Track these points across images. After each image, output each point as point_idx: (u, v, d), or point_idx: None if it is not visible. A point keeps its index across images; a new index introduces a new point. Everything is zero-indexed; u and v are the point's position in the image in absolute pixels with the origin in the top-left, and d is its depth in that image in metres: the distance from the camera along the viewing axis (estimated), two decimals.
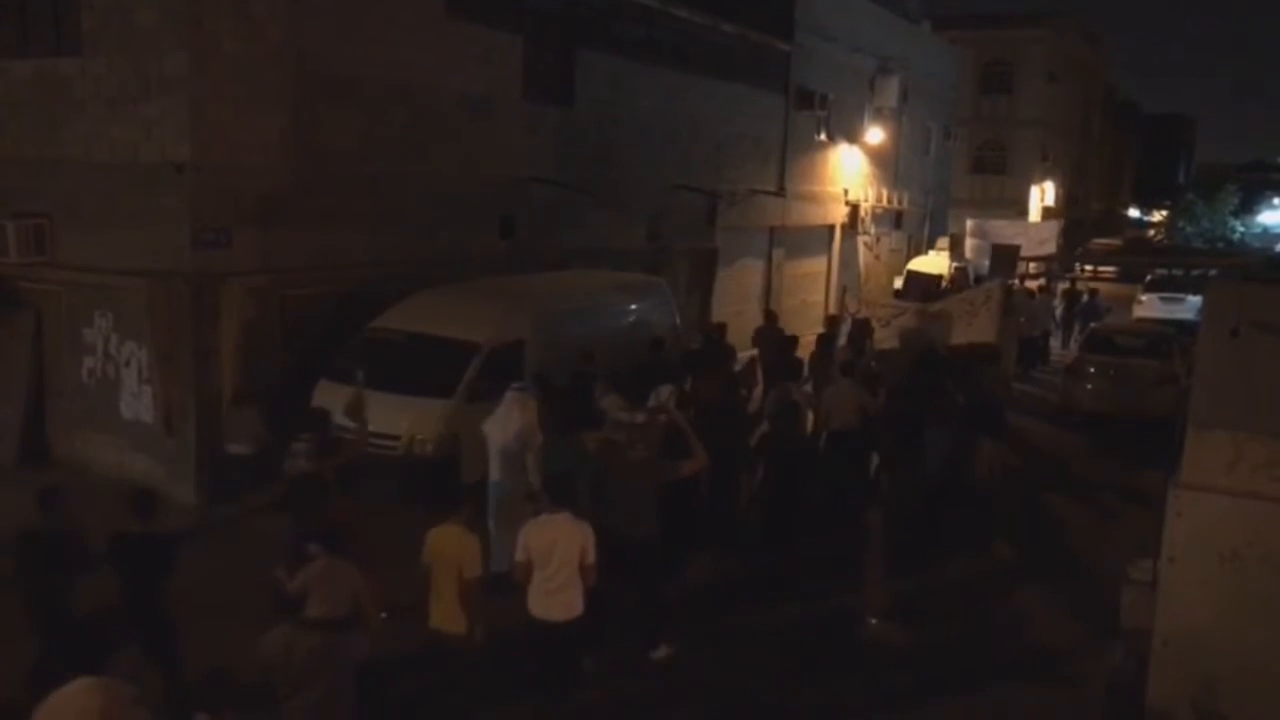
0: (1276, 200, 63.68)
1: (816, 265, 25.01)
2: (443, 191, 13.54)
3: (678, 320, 14.85)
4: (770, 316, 16.68)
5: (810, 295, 22.95)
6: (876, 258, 27.83)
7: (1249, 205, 59.91)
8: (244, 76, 11.05)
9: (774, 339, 15.00)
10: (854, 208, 26.03)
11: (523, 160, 14.88)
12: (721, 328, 15.40)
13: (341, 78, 12.07)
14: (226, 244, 11.07)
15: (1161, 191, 79.18)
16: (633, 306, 13.98)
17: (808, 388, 12.79)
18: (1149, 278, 28.52)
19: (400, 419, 10.32)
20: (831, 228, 25.50)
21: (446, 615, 6.69)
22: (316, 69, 11.76)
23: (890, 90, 26.08)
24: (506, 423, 9.08)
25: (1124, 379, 15.98)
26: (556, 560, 6.70)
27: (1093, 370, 16.47)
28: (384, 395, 9.99)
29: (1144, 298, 27.63)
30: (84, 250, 11.40)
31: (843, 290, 20.26)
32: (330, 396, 10.72)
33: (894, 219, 29.15)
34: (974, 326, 14.89)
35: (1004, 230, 31.39)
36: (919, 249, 30.48)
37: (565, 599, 6.76)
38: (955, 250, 29.61)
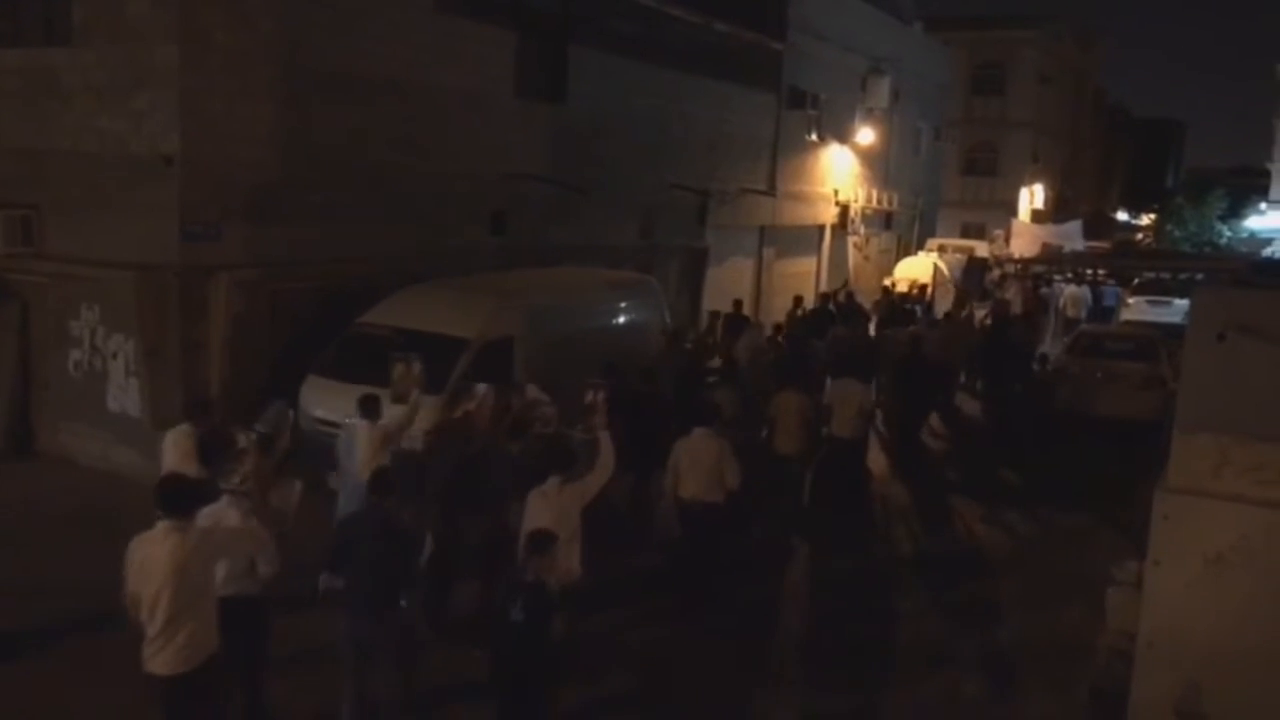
0: (1263, 205, 63.95)
1: (806, 265, 25.04)
2: (434, 187, 13.51)
3: (668, 318, 14.86)
4: (885, 291, 22.83)
5: (784, 295, 22.96)
6: (866, 258, 27.87)
7: (1236, 210, 60.04)
8: (235, 69, 11.00)
9: (891, 304, 21.09)
10: (844, 208, 26.06)
11: (514, 156, 14.85)
12: (850, 294, 21.06)
13: (333, 71, 12.03)
14: (216, 237, 11.03)
15: (1150, 195, 79.32)
16: (623, 304, 13.97)
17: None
18: (1136, 281, 28.61)
19: (388, 414, 10.28)
20: (821, 227, 25.54)
21: (789, 444, 11.04)
22: (308, 62, 11.72)
23: (882, 91, 26.10)
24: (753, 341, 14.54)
25: (1111, 381, 16.03)
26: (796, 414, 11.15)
27: (1080, 372, 16.51)
28: (373, 390, 9.95)
29: (1131, 301, 27.74)
30: (71, 242, 11.34)
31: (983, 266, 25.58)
32: (318, 392, 10.72)
33: (884, 219, 29.21)
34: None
35: (1045, 232, 34.30)
36: (909, 250, 30.53)
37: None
38: (994, 245, 33.33)
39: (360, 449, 8.41)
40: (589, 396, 9.34)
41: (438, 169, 13.56)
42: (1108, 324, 24.01)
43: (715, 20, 18.32)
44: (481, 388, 9.42)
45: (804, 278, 24.54)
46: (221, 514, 6.25)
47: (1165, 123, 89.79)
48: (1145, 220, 74.01)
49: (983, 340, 18.35)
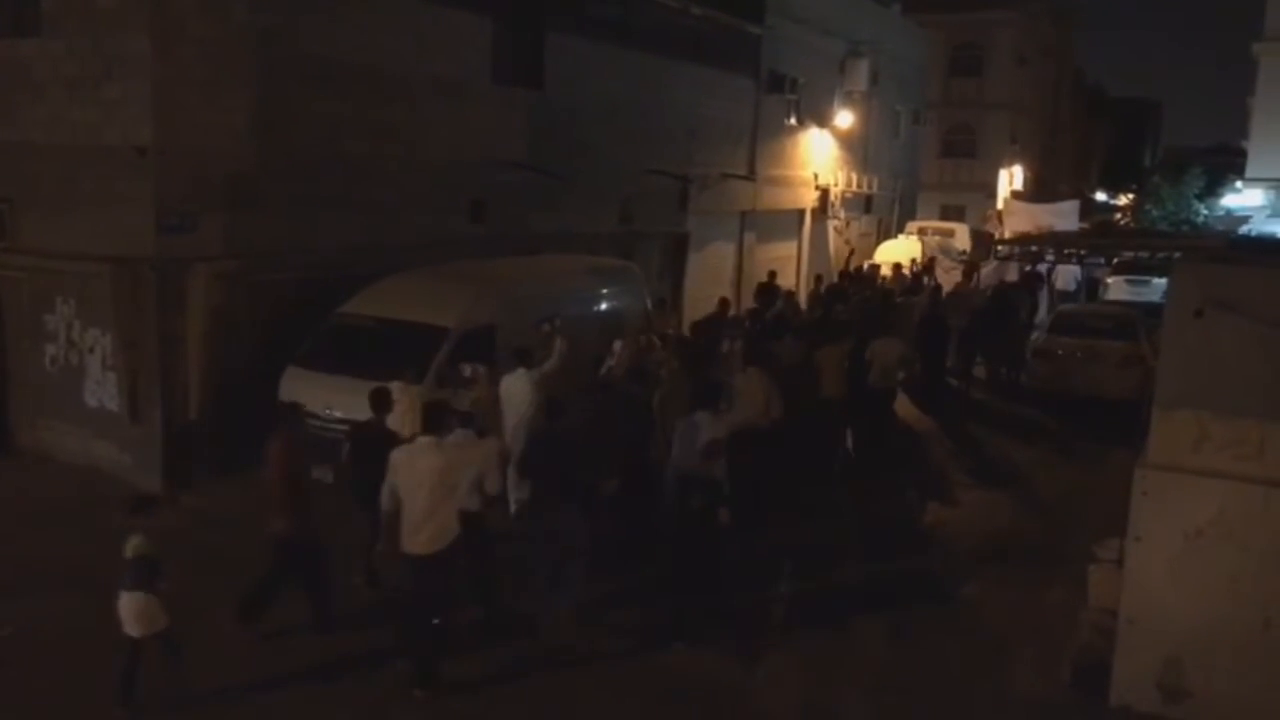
0: (1240, 183, 64.36)
1: (787, 249, 25.03)
2: (412, 175, 13.42)
3: (649, 304, 14.84)
4: (897, 267, 23.32)
5: (780, 279, 22.95)
6: (846, 242, 27.89)
7: (1213, 188, 60.22)
8: (209, 58, 10.88)
9: (908, 283, 21.80)
10: (824, 192, 26.05)
11: (493, 144, 14.77)
12: (860, 267, 23.86)
13: (309, 59, 11.91)
14: (192, 228, 10.92)
15: (1128, 175, 79.79)
16: (604, 291, 13.93)
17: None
18: (1115, 260, 28.70)
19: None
20: (802, 212, 25.53)
21: (833, 388, 12.46)
22: (283, 50, 11.60)
23: (860, 74, 26.07)
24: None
25: (1091, 360, 16.12)
26: (838, 364, 12.80)
27: (1060, 351, 16.60)
28: (353, 380, 9.91)
29: (1110, 280, 27.84)
30: (46, 235, 11.21)
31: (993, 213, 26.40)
32: (298, 383, 10.64)
33: (864, 203, 29.22)
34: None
35: (1040, 211, 34.93)
36: (889, 232, 30.59)
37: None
38: (990, 224, 34.74)
39: (519, 390, 10.16)
40: (725, 346, 12.28)
41: (416, 157, 13.47)
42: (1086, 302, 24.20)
43: (693, 4, 18.24)
44: (617, 344, 11.26)
45: (785, 262, 24.52)
46: (463, 435, 7.79)
47: (1143, 102, 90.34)
48: (1124, 200, 74.41)
49: (986, 303, 19.15)
